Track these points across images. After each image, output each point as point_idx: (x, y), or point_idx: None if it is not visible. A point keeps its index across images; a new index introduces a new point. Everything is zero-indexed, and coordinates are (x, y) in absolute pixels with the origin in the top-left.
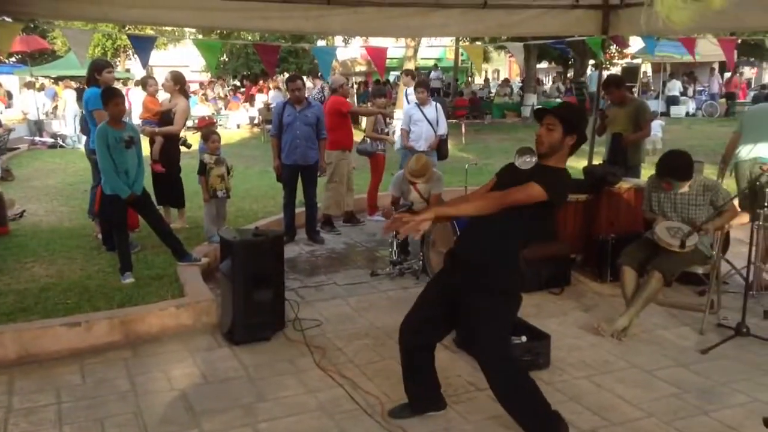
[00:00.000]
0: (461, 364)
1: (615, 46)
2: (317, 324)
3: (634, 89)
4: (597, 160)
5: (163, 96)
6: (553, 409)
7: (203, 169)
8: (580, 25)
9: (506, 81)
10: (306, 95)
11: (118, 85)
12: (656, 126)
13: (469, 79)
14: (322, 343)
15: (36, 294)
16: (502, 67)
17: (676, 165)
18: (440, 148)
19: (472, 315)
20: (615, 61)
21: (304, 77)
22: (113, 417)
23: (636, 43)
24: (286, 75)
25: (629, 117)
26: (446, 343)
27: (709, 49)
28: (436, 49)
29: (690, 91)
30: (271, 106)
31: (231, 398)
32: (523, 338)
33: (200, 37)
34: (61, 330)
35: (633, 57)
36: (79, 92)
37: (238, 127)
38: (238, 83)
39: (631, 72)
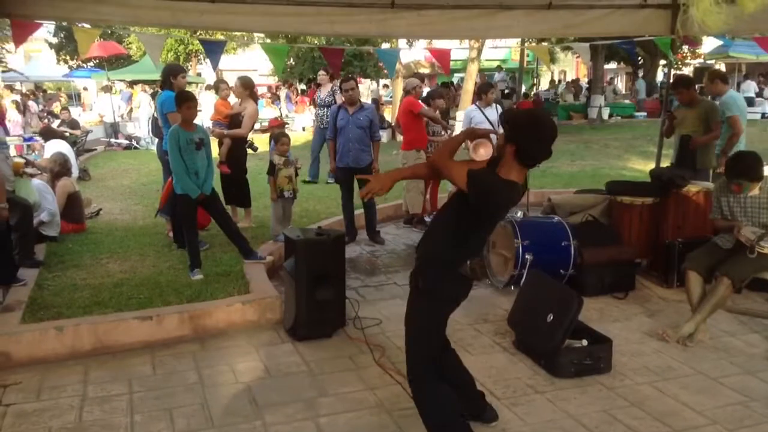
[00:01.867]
0: (520, 367)
1: (687, 46)
2: (377, 323)
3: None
4: (665, 163)
5: (234, 100)
6: None
7: (272, 170)
8: (648, 25)
9: (572, 82)
10: (359, 97)
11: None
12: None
13: (535, 80)
14: (382, 341)
15: (110, 288)
16: (569, 68)
17: (747, 165)
18: None
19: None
20: (687, 61)
21: (368, 79)
22: (181, 408)
23: (709, 43)
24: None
25: (699, 118)
26: (505, 345)
27: None
28: (501, 51)
29: (766, 92)
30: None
31: (293, 392)
32: (584, 342)
33: (268, 41)
34: (134, 323)
35: (706, 57)
36: (153, 95)
37: (303, 129)
38: (304, 87)
39: (704, 73)
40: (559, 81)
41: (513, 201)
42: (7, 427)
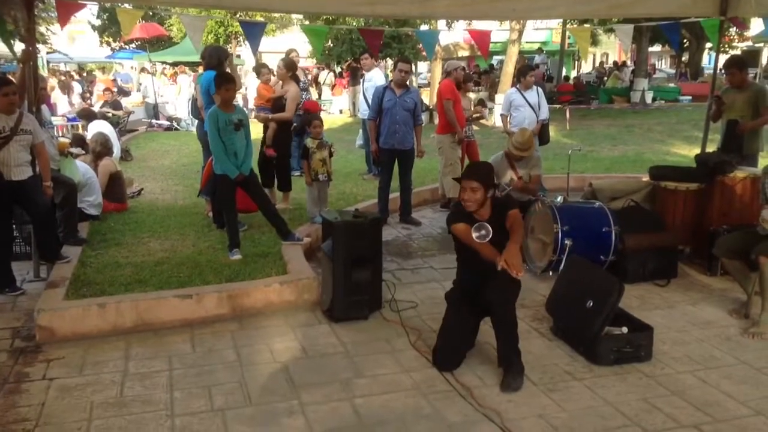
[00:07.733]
0: (558, 353)
1: (734, 28)
2: (413, 306)
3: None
4: (711, 148)
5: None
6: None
7: (306, 154)
8: (696, 6)
9: (615, 65)
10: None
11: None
12: None
13: (576, 63)
14: (418, 324)
15: (151, 267)
16: (612, 51)
17: None
18: (542, 133)
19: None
20: (734, 44)
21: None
22: (220, 385)
23: (757, 26)
24: (389, 61)
25: (748, 102)
26: (543, 330)
27: None
28: (541, 33)
29: None
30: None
31: (329, 373)
32: (624, 329)
33: (306, 23)
34: (174, 301)
35: (753, 40)
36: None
37: (341, 112)
38: (340, 69)
39: (751, 56)
40: (601, 63)
41: None
42: (51, 400)
